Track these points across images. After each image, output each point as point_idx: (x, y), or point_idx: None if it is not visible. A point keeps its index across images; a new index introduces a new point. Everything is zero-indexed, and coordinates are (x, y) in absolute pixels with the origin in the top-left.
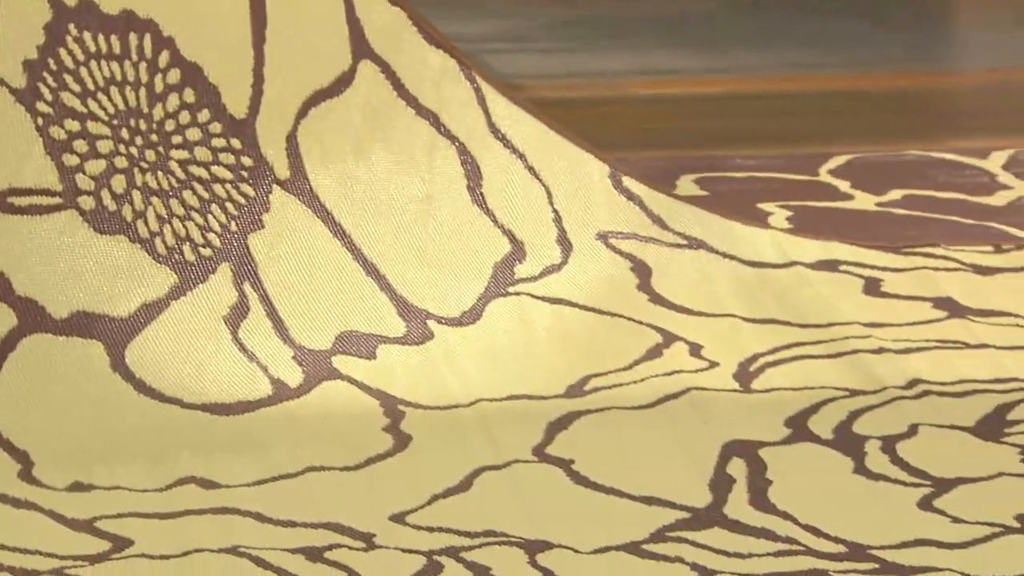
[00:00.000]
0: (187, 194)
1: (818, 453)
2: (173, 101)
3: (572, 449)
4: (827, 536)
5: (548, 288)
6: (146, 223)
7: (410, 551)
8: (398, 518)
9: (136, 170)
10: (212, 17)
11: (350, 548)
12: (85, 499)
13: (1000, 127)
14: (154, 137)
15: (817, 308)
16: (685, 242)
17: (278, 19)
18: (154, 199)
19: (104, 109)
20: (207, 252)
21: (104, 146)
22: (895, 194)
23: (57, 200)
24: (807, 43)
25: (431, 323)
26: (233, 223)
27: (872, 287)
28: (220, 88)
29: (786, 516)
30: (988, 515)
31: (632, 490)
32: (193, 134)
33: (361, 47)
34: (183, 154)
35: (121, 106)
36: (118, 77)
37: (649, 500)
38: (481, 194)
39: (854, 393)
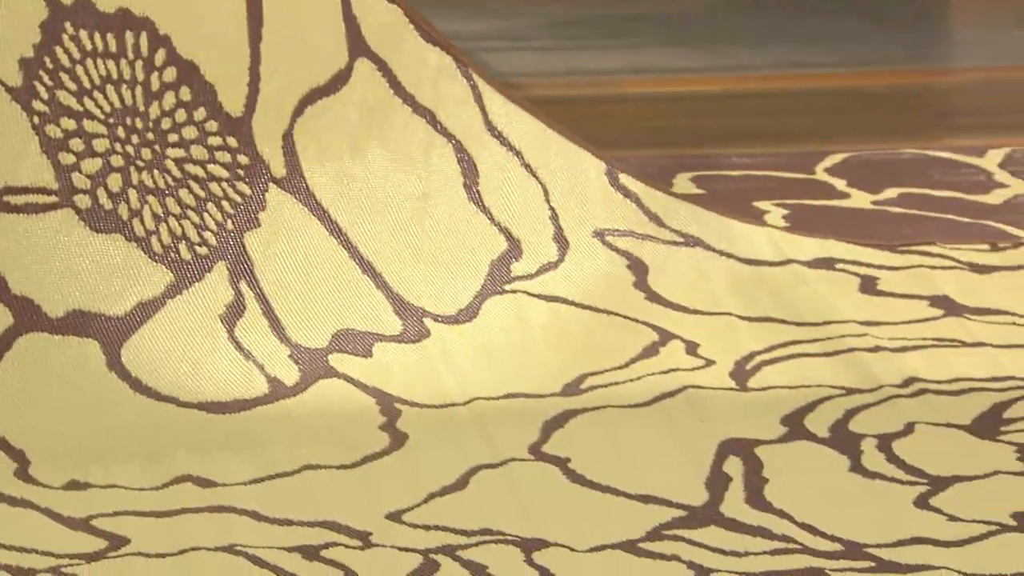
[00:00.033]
0: (183, 192)
1: (814, 451)
2: (169, 99)
3: (568, 447)
4: (823, 534)
5: (544, 286)
6: (142, 221)
7: (406, 549)
8: (394, 516)
9: (132, 168)
10: (208, 15)
11: (346, 546)
12: (81, 497)
13: (996, 126)
14: (150, 135)
15: (813, 306)
16: (682, 240)
17: (275, 17)
18: (150, 197)
19: (100, 107)
20: (203, 251)
21: (100, 144)
22: (891, 192)
23: (53, 199)
24: (804, 42)
25: (427, 321)
26: (229, 221)
27: (868, 285)
28: (216, 86)
29: (782, 514)
30: (984, 513)
31: (628, 488)
32: (189, 132)
33: (358, 45)
34: (179, 152)
35: (117, 104)
36: (114, 75)
37: (645, 498)
38: (477, 192)
39: (850, 391)
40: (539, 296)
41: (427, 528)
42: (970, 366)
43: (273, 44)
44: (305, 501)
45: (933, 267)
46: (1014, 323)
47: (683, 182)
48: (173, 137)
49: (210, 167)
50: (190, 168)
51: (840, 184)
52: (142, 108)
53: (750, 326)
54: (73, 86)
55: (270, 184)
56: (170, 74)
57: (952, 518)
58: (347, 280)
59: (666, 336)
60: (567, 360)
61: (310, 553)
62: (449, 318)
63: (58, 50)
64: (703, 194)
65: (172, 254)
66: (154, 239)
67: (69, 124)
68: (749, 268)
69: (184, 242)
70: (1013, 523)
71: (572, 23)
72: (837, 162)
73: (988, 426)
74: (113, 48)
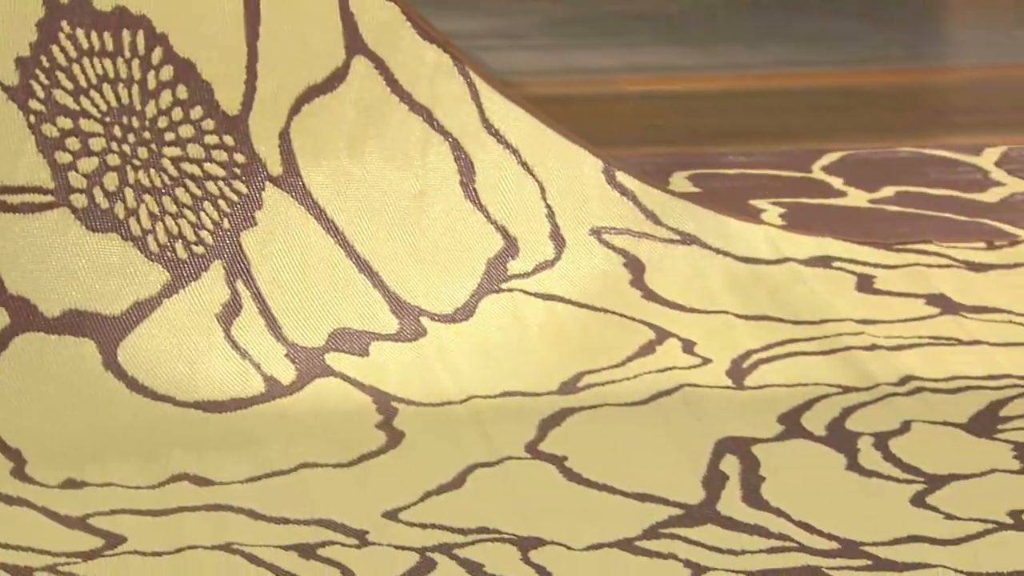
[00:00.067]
0: (180, 191)
1: (811, 450)
2: (166, 98)
3: (565, 446)
4: (820, 533)
5: (541, 284)
6: (138, 221)
7: (403, 548)
8: (391, 515)
9: (128, 167)
10: (206, 13)
11: (343, 545)
12: (78, 496)
13: (993, 124)
14: (147, 134)
15: (810, 305)
16: (678, 238)
17: (272, 15)
18: (146, 196)
19: (96, 106)
20: (199, 250)
21: (96, 143)
22: (888, 191)
23: (49, 198)
24: (801, 41)
25: (424, 320)
26: (226, 220)
27: (865, 284)
28: (213, 85)
29: (779, 513)
30: (981, 511)
31: (625, 487)
32: (186, 131)
33: (355, 43)
34: (176, 151)
35: (114, 103)
36: (111, 74)
37: (642, 497)
38: (474, 190)
39: (847, 390)
40: (536, 294)
41: (424, 526)
42: (967, 364)
43: (271, 42)
44: (302, 499)
45: (930, 265)
46: (1011, 321)
47: (680, 180)
48: (170, 136)
49: (207, 166)
50: (186, 167)
51: (837, 182)
52: (138, 107)
53: (747, 324)
54: (69, 85)
55: (266, 183)
56: (167, 72)
57: (949, 516)
58: (343, 279)
59: (663, 334)
60: (564, 358)
61: (307, 551)
62: (446, 317)
63: (54, 49)
64: (700, 192)
65: (168, 253)
66: (150, 238)
67: (65, 123)
68: (746, 266)
69: (180, 241)
70: (1010, 521)
71: (569, 21)
72: (834, 160)
73: (985, 424)
74: (110, 47)
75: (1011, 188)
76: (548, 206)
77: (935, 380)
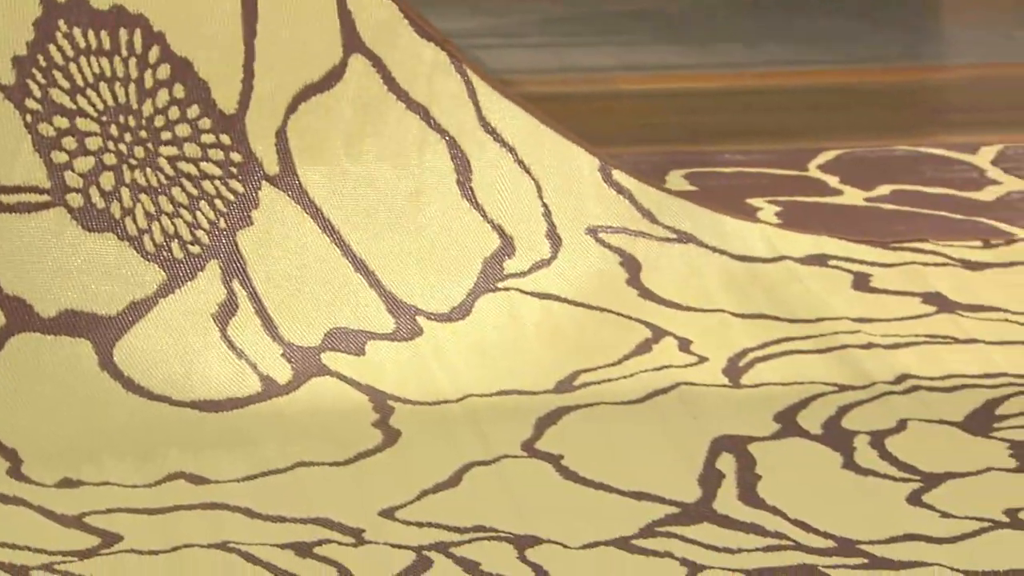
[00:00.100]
0: (176, 191)
1: (807, 448)
2: (163, 97)
3: (561, 444)
4: (816, 531)
5: (537, 283)
6: (134, 220)
7: (399, 546)
8: (387, 513)
9: (125, 167)
10: (203, 12)
11: (339, 543)
12: (74, 495)
13: (989, 122)
14: (143, 133)
15: (806, 303)
16: (675, 236)
17: (270, 13)
18: (143, 196)
19: (93, 105)
20: (195, 249)
21: (93, 143)
22: (884, 189)
23: (45, 198)
24: (798, 39)
25: (420, 319)
26: (222, 220)
27: (861, 282)
28: (210, 83)
29: (775, 511)
30: (977, 510)
31: (621, 485)
32: (182, 130)
33: (352, 41)
34: (172, 150)
35: (110, 102)
36: (107, 73)
37: (638, 495)
38: (471, 188)
39: (843, 388)
40: (532, 294)
41: (420, 525)
42: (963, 363)
43: (268, 40)
44: (298, 498)
45: (926, 264)
46: (1007, 320)
47: (676, 179)
48: (166, 135)
49: (203, 165)
50: (183, 166)
51: (833, 181)
52: (135, 106)
53: (743, 323)
54: (66, 84)
55: (263, 182)
56: (164, 71)
57: (945, 515)
58: (340, 279)
59: (659, 333)
60: (560, 357)
61: (303, 550)
62: (442, 316)
63: (51, 48)
64: (696, 191)
65: (164, 253)
66: (146, 238)
67: (62, 122)
68: (742, 265)
69: (176, 241)
70: (1006, 519)
71: (565, 20)
72: (830, 159)
73: (981, 423)
74: (107, 45)
75: (1007, 186)
76: (544, 205)
77: (931, 378)
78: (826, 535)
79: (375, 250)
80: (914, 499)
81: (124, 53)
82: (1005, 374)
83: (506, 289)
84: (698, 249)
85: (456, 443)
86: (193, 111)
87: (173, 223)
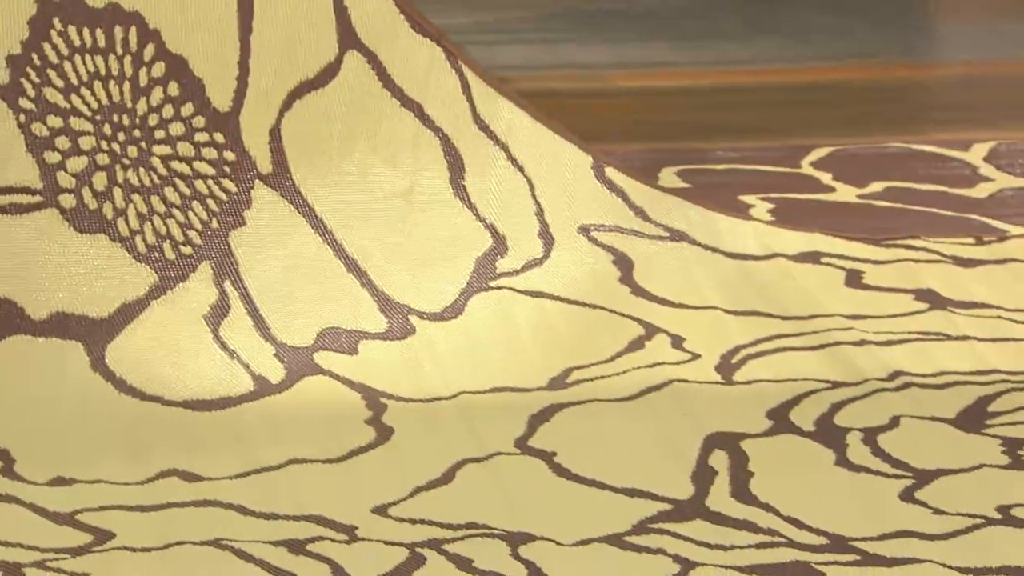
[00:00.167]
0: (168, 191)
1: (800, 445)
2: (157, 95)
3: (554, 441)
4: (809, 528)
5: (530, 282)
6: (127, 221)
7: (392, 543)
8: (380, 510)
9: (118, 167)
10: (199, 8)
11: (332, 540)
12: (67, 493)
13: (981, 120)
14: (137, 132)
15: (799, 300)
16: (667, 234)
17: (265, 10)
18: (135, 196)
19: (87, 104)
20: (187, 250)
21: (86, 142)
22: (877, 186)
23: (38, 198)
24: (789, 36)
25: (413, 318)
26: (214, 220)
27: (854, 279)
28: (205, 81)
29: (768, 508)
30: (969, 506)
31: (614, 482)
32: (176, 129)
33: (348, 37)
34: (165, 149)
35: (104, 101)
36: (102, 71)
37: (631, 492)
38: (464, 187)
39: (836, 385)
40: (525, 292)
41: (413, 522)
42: (955, 359)
43: (263, 37)
44: (291, 495)
45: (918, 261)
46: (999, 316)
47: (669, 176)
48: (160, 134)
49: (196, 164)
50: (176, 165)
51: (825, 178)
52: (129, 104)
53: (736, 320)
54: (60, 83)
55: (256, 181)
56: (159, 69)
57: (937, 511)
58: (332, 279)
59: (652, 330)
60: (553, 355)
61: (296, 547)
62: (434, 315)
63: (46, 46)
64: (689, 188)
65: (156, 254)
66: (138, 239)
67: (56, 122)
68: (735, 263)
69: (168, 241)
70: (998, 516)
71: (558, 16)
72: (823, 156)
73: (973, 419)
74: (102, 43)
75: (999, 183)
76: (537, 203)
77: (923, 375)
78: (819, 532)
79: (368, 250)
80: (907, 496)
81: (119, 51)
82: (997, 371)
83: (499, 288)
84: (691, 247)
85: (449, 440)
86: (187, 109)
87: (165, 223)
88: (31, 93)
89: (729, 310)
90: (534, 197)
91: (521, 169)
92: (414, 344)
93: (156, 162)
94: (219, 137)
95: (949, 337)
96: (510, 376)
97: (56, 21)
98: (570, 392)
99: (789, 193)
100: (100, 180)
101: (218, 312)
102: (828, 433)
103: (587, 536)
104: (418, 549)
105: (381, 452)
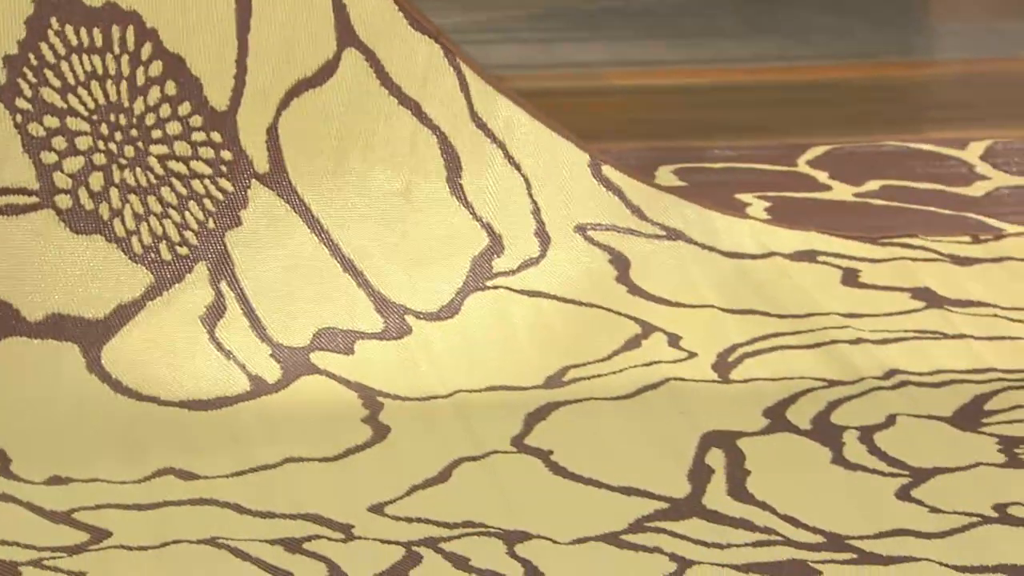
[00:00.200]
0: (165, 191)
1: (796, 443)
2: (154, 94)
3: (551, 440)
4: (805, 526)
5: (526, 282)
6: (123, 222)
7: (389, 542)
8: (377, 509)
9: (114, 167)
10: (197, 7)
11: (329, 539)
12: (63, 492)
13: (978, 118)
14: (134, 132)
15: (795, 299)
16: (664, 233)
17: (263, 7)
18: (131, 196)
19: (84, 104)
20: (183, 251)
21: (83, 142)
22: (873, 185)
23: (34, 199)
24: (786, 35)
25: (409, 318)
26: (211, 220)
27: (850, 277)
28: (202, 80)
29: (764, 506)
30: (966, 505)
31: (611, 480)
32: (173, 128)
33: (346, 35)
34: (162, 149)
35: (101, 100)
36: (99, 71)
37: (628, 490)
38: (460, 185)
39: (832, 383)
40: (521, 292)
41: (409, 521)
42: (951, 358)
43: (261, 35)
44: (287, 494)
45: (915, 259)
46: (995, 315)
47: (666, 174)
48: (157, 133)
49: (193, 164)
50: (173, 165)
51: (822, 176)
52: (126, 104)
53: (732, 319)
54: (57, 83)
55: (252, 180)
56: (156, 68)
57: (934, 510)
58: (328, 279)
59: (648, 329)
60: (549, 353)
61: (292, 546)
62: (431, 315)
63: (43, 46)
64: (686, 186)
65: (152, 255)
66: (134, 239)
67: (52, 122)
68: (731, 261)
69: (164, 242)
70: (994, 514)
71: (554, 15)
72: (819, 154)
73: (969, 418)
74: (99, 43)
75: (996, 182)
76: (534, 202)
77: (920, 374)
78: (815, 530)
79: (364, 249)
80: (903, 494)
81: (116, 50)
82: (994, 369)
83: (495, 288)
84: (687, 246)
85: (445, 439)
86: (184, 108)
87: (161, 224)
88: (28, 93)
89: (726, 309)
90: (531, 196)
91: (518, 167)
92: (410, 344)
93: (153, 162)
94: (216, 136)
95: (945, 336)
96: (507, 375)
97: (54, 20)
98: (567, 391)
99: (786, 192)
100: (96, 180)
101: (214, 313)
102: (824, 431)
103: (584, 535)
104: (414, 548)
105: (377, 451)
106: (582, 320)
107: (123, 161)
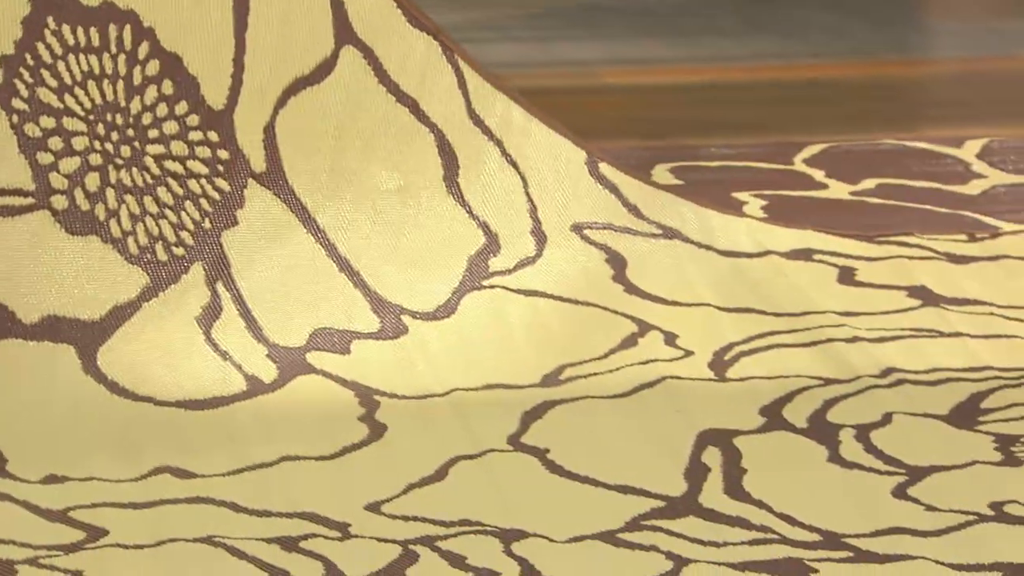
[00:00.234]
0: (161, 191)
1: (793, 442)
2: (151, 93)
3: (547, 438)
4: (802, 524)
5: (522, 281)
6: (119, 222)
7: (385, 540)
8: (373, 507)
9: (111, 167)
10: (194, 5)
11: (325, 538)
12: (59, 490)
13: (974, 116)
14: (130, 132)
15: (791, 297)
16: (660, 232)
17: (261, 5)
18: (128, 197)
19: (80, 104)
20: (179, 251)
21: (79, 143)
22: (869, 183)
23: (30, 200)
24: (782, 33)
25: (405, 318)
26: (207, 220)
27: (846, 276)
28: (200, 79)
29: (761, 505)
30: (962, 503)
31: (607, 479)
32: (170, 127)
33: (344, 32)
34: (159, 149)
35: (98, 100)
36: (96, 71)
37: (624, 489)
38: (457, 184)
39: (828, 382)
40: (517, 291)
41: (406, 519)
42: (948, 356)
43: (259, 33)
44: (284, 492)
45: (911, 257)
46: (991, 313)
47: (662, 173)
48: (153, 133)
49: (189, 163)
50: (169, 165)
51: (818, 175)
52: (123, 103)
53: (729, 317)
54: (54, 83)
55: (249, 180)
56: (153, 67)
57: (930, 508)
58: (324, 279)
59: (645, 327)
60: (546, 352)
61: (289, 544)
62: (427, 314)
63: (39, 46)
64: (682, 185)
65: (148, 255)
66: (130, 240)
67: (48, 123)
68: (728, 260)
69: (161, 243)
70: (991, 513)
71: (551, 13)
72: (816, 153)
73: (966, 416)
74: (96, 42)
75: (992, 180)
76: (530, 200)
77: (916, 372)
78: (812, 528)
79: (360, 249)
80: (899, 492)
81: (113, 49)
82: (990, 367)
83: (491, 287)
84: (684, 245)
85: (442, 437)
86: (181, 107)
87: (158, 224)
88: (24, 94)
89: (722, 307)
90: (527, 194)
91: (515, 166)
92: (407, 344)
93: (149, 162)
94: (213, 135)
95: (942, 334)
96: (503, 374)
97: (50, 20)
98: (563, 389)
99: (782, 190)
100: (92, 181)
101: (210, 313)
102: (821, 430)
103: (580, 533)
104: (411, 546)
105: (374, 449)
106: (578, 319)
107: (119, 161)
